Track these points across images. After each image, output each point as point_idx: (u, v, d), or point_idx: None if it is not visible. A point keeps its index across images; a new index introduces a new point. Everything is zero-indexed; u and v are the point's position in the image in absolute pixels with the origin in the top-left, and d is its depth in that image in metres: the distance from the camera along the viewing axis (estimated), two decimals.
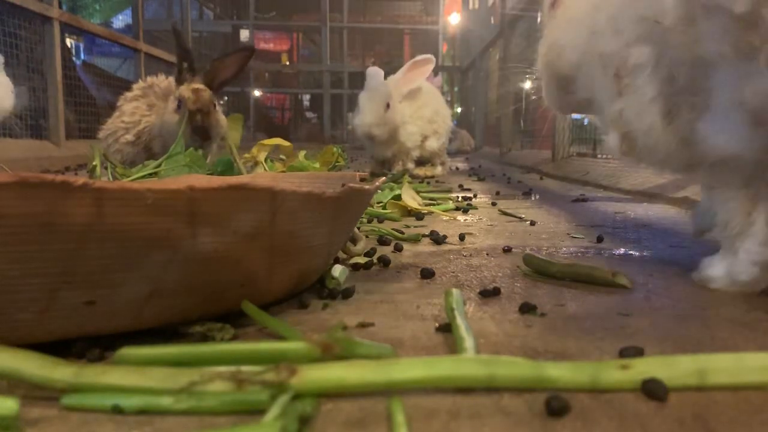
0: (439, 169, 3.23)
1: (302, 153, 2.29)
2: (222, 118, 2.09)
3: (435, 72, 3.14)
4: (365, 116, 2.82)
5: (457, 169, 4.18)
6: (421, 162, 3.20)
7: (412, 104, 2.97)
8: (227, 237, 0.58)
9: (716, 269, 0.86)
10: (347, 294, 0.80)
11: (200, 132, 1.95)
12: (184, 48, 2.06)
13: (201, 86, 2.00)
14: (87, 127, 4.60)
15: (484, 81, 8.12)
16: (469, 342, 0.57)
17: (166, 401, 0.46)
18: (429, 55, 2.94)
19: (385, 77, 2.95)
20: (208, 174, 1.46)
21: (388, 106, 2.82)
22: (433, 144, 3.12)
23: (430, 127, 3.07)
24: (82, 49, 8.61)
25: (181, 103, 2.00)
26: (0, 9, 3.60)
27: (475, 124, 8.74)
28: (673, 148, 0.83)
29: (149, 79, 2.43)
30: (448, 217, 1.64)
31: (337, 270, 0.87)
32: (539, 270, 0.93)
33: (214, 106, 2.04)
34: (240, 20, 13.17)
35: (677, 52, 0.75)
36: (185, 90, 1.99)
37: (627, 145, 0.89)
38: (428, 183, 2.72)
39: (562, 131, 3.79)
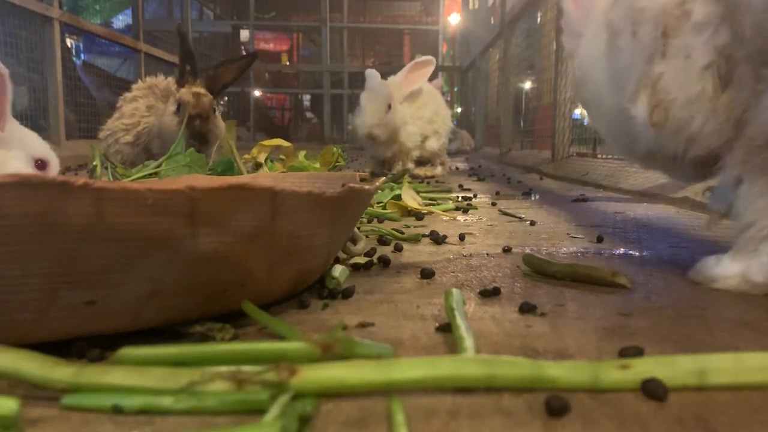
0: (439, 170, 3.24)
1: (302, 153, 2.29)
2: (220, 123, 2.10)
3: (434, 74, 3.13)
4: (367, 117, 2.81)
5: (457, 169, 4.18)
6: (421, 162, 3.20)
7: (412, 105, 2.97)
8: (227, 237, 0.58)
9: (727, 268, 0.84)
10: (347, 294, 0.80)
11: (197, 137, 1.96)
12: (187, 50, 2.06)
13: (202, 90, 2.01)
14: (87, 127, 4.60)
15: (484, 81, 8.12)
16: (469, 342, 0.57)
17: (166, 401, 0.46)
18: (430, 57, 2.94)
19: (383, 78, 2.95)
20: (208, 174, 1.46)
21: (389, 107, 2.82)
22: (433, 144, 3.12)
23: (430, 128, 3.07)
24: (82, 49, 8.60)
25: (180, 106, 2.00)
26: (0, 9, 3.60)
27: (475, 124, 8.74)
28: (717, 122, 0.75)
29: (148, 79, 2.43)
30: (448, 217, 1.64)
31: (337, 270, 0.87)
32: (539, 270, 0.93)
33: (214, 111, 2.05)
34: (240, 20, 13.16)
35: (757, 16, 0.67)
36: (186, 93, 1.99)
37: (659, 115, 0.80)
38: (428, 183, 2.72)
39: (562, 131, 3.78)
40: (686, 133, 0.80)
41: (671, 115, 0.79)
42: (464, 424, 0.44)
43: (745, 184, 0.81)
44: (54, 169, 1.17)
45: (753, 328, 0.67)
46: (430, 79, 3.11)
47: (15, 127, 1.11)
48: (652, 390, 0.48)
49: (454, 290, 0.71)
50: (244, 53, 12.34)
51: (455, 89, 11.73)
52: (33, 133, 1.18)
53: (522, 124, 5.88)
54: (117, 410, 0.46)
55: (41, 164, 1.14)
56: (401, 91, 2.88)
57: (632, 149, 0.95)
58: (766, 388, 0.50)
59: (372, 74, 2.92)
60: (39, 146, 1.16)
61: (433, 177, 3.11)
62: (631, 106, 0.85)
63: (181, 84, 2.07)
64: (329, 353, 0.50)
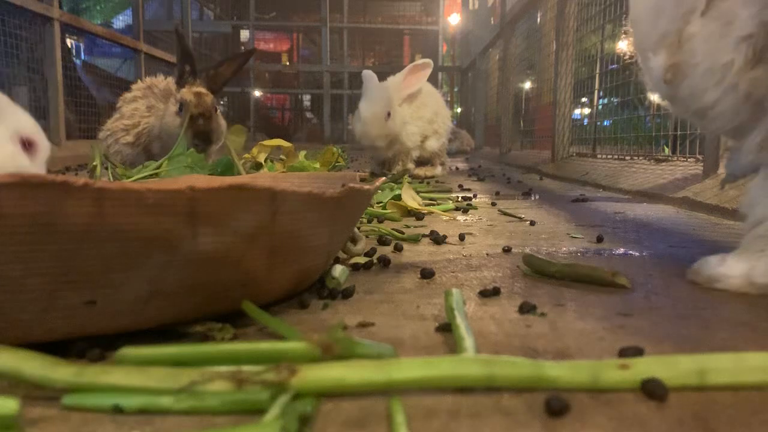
0: (439, 170, 3.23)
1: (302, 153, 2.29)
2: (222, 122, 2.10)
3: (434, 75, 3.12)
4: (368, 128, 2.78)
5: (457, 169, 4.18)
6: (421, 162, 3.19)
7: (411, 105, 2.96)
8: (227, 237, 0.58)
9: (731, 268, 0.82)
10: (347, 294, 0.80)
11: (202, 136, 1.97)
12: (186, 50, 2.07)
13: (203, 90, 2.01)
14: (87, 127, 4.61)
15: (484, 81, 8.12)
16: (469, 342, 0.57)
17: (166, 401, 0.46)
18: (427, 60, 2.93)
19: (382, 78, 2.93)
20: (208, 175, 1.47)
21: (389, 114, 2.80)
22: (433, 144, 3.11)
23: (430, 128, 3.07)
24: (82, 49, 8.61)
25: (182, 105, 2.00)
26: (0, 9, 3.60)
27: (475, 124, 8.74)
28: (733, 100, 0.71)
29: (148, 80, 2.43)
30: (448, 217, 1.64)
31: (337, 270, 0.87)
32: (539, 270, 0.93)
33: (215, 110, 2.05)
34: (240, 20, 13.15)
35: None
36: (187, 93, 1.99)
37: (673, 74, 0.76)
38: (428, 183, 2.72)
39: (562, 131, 3.79)
40: (698, 104, 0.76)
41: (688, 81, 0.76)
42: (464, 424, 0.44)
43: (759, 175, 0.77)
44: (43, 153, 1.03)
45: (753, 328, 0.67)
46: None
47: None
48: (652, 390, 0.48)
49: (454, 290, 0.71)
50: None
51: (455, 89, 11.72)
52: (22, 110, 1.03)
53: (522, 124, 5.88)
54: (117, 410, 0.46)
55: (28, 145, 1.00)
56: (400, 94, 2.87)
57: (657, 89, 0.90)
58: (766, 388, 0.50)
59: (369, 76, 2.91)
60: (27, 124, 1.02)
61: (433, 177, 3.11)
62: (651, 56, 0.81)
63: (180, 84, 2.07)
64: (329, 353, 0.50)
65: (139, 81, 2.47)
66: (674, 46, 0.76)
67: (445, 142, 3.25)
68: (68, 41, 6.06)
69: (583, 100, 3.84)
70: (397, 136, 2.89)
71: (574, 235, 1.33)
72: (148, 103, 2.28)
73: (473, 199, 2.11)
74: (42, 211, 0.48)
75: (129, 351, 0.50)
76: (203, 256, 0.57)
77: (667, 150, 2.84)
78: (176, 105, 2.04)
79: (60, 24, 4.07)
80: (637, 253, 1.13)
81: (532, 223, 1.53)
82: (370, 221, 1.48)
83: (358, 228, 1.28)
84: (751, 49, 0.70)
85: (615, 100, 3.37)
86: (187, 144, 1.88)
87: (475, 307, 0.76)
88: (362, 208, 0.87)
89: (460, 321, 0.62)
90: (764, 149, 0.75)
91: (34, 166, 1.01)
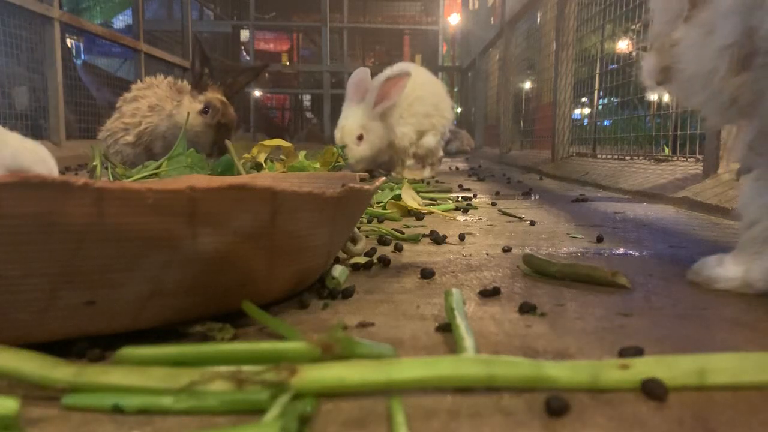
0: (427, 171, 3.04)
1: (302, 153, 2.29)
2: None
3: (434, 74, 2.98)
4: (349, 156, 2.67)
5: (457, 169, 4.17)
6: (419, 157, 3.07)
7: (403, 102, 2.77)
8: (227, 237, 0.58)
9: (728, 270, 0.82)
10: (347, 294, 0.80)
11: (222, 145, 2.04)
12: (205, 55, 2.15)
13: (225, 100, 2.10)
14: (87, 127, 4.61)
15: (484, 81, 8.12)
16: (469, 342, 0.57)
17: (166, 401, 0.46)
18: (404, 70, 2.70)
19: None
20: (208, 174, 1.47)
21: (360, 137, 2.68)
22: (429, 140, 2.92)
23: (428, 122, 2.88)
24: (82, 49, 8.60)
25: (208, 108, 2.08)
26: (0, 9, 3.60)
27: (475, 124, 8.73)
28: (719, 103, 0.71)
29: (148, 79, 2.43)
30: (448, 217, 1.64)
31: (337, 270, 0.87)
32: (539, 270, 0.93)
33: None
34: (240, 20, 13.15)
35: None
36: (214, 98, 2.07)
37: (664, 76, 0.77)
38: (428, 183, 2.72)
39: (562, 131, 3.78)
40: (688, 105, 0.79)
41: (676, 84, 0.76)
42: (464, 424, 0.44)
43: (751, 175, 0.77)
44: None
45: (753, 328, 0.67)
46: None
47: None
48: (652, 390, 0.48)
49: (454, 290, 0.71)
50: (244, 52, 12.39)
51: (455, 89, 11.71)
52: (16, 137, 1.02)
53: (522, 124, 5.88)
54: (117, 410, 0.46)
55: None
56: (374, 112, 2.68)
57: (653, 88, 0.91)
58: (766, 388, 0.50)
59: (353, 80, 2.74)
60: (14, 156, 0.99)
61: (422, 180, 2.85)
62: (643, 55, 0.82)
63: (200, 87, 2.13)
64: (329, 353, 0.50)
65: (138, 81, 2.48)
66: (664, 50, 0.77)
67: (440, 139, 3.03)
68: (68, 41, 6.06)
69: (583, 100, 3.84)
70: (379, 148, 2.76)
71: (574, 235, 1.33)
72: (150, 102, 2.28)
73: (473, 199, 2.11)
74: (42, 211, 0.48)
75: (129, 351, 0.50)
76: (203, 256, 0.57)
77: (667, 150, 2.84)
78: (201, 105, 2.11)
79: (60, 24, 4.07)
80: (637, 253, 1.13)
81: (532, 223, 1.53)
82: (370, 221, 1.48)
83: (358, 228, 1.28)
84: (734, 57, 0.70)
85: (615, 100, 3.37)
86: (210, 148, 1.98)
87: (475, 307, 0.76)
88: (362, 208, 0.87)
89: (460, 321, 0.62)
90: (752, 150, 0.75)
91: None
